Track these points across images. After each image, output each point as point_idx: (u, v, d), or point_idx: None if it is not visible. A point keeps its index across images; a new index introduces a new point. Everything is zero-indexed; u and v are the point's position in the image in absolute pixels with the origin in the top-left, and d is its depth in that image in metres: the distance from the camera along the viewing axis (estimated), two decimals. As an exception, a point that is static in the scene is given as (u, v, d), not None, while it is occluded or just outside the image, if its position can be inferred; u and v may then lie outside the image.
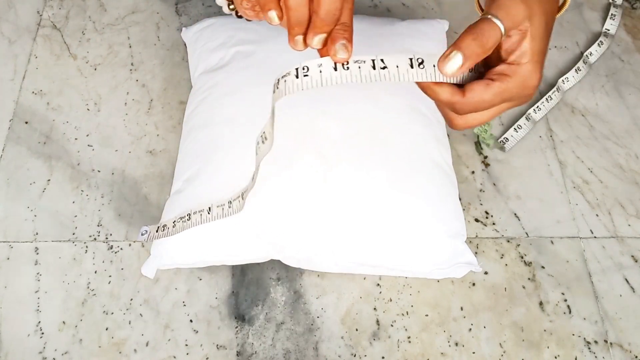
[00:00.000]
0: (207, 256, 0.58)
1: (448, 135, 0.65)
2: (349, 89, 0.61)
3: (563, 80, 0.76)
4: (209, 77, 0.66)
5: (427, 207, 0.57)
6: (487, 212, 0.67)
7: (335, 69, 0.40)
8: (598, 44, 0.79)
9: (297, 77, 0.40)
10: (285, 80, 0.40)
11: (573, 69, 0.77)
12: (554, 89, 0.75)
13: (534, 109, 0.73)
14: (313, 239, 0.56)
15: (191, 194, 0.58)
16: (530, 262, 0.64)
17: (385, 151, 0.58)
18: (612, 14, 0.82)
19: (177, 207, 0.58)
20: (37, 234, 0.65)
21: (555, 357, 0.59)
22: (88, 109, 0.73)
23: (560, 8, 0.48)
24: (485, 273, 0.63)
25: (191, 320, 0.60)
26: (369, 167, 0.57)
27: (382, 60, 0.40)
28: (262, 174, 0.53)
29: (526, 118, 0.72)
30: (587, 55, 0.78)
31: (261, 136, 0.44)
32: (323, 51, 0.41)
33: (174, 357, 0.58)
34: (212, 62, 0.67)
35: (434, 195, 0.58)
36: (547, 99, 0.74)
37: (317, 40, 0.40)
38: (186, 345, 0.59)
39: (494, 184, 0.69)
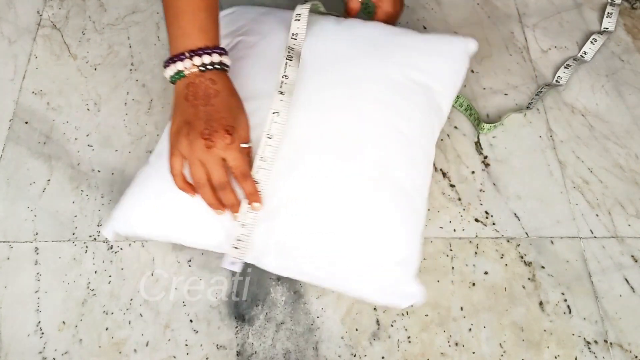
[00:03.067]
0: (164, 231, 0.58)
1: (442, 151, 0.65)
2: (333, 98, 0.59)
3: (557, 79, 0.76)
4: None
5: (374, 228, 0.55)
6: (487, 212, 0.67)
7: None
8: (591, 41, 0.79)
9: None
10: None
11: (563, 66, 0.77)
12: (544, 85, 0.75)
13: (527, 106, 0.73)
14: (263, 239, 0.56)
15: (156, 168, 0.59)
16: (530, 262, 0.64)
17: (350, 164, 0.57)
18: (608, 13, 0.82)
19: (146, 180, 0.59)
20: (37, 234, 0.65)
21: (555, 357, 0.59)
22: (88, 109, 0.73)
23: None
24: (485, 273, 0.63)
25: (191, 320, 0.60)
26: (330, 176, 0.56)
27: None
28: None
29: (523, 113, 0.73)
30: (581, 56, 0.78)
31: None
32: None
33: (174, 357, 0.58)
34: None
35: (385, 218, 0.55)
36: (536, 94, 0.75)
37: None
38: (186, 345, 0.59)
39: (494, 184, 0.69)
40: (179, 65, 0.53)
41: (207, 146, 0.51)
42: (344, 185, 0.56)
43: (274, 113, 0.57)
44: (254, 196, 0.54)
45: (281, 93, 0.58)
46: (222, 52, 0.55)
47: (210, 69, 0.53)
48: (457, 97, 0.71)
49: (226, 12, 0.71)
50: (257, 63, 0.63)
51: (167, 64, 0.54)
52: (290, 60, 0.60)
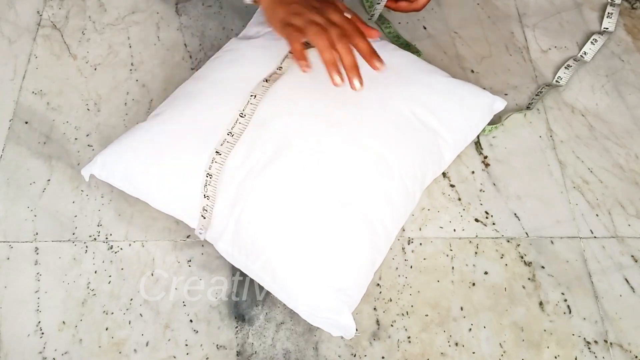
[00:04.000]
0: (139, 186, 0.60)
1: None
2: (324, 123, 0.59)
3: (557, 80, 0.76)
4: (234, 42, 0.69)
5: (325, 247, 0.55)
6: (487, 212, 0.67)
7: None
8: (591, 41, 0.79)
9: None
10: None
11: (563, 66, 0.77)
12: (543, 85, 0.75)
13: (527, 106, 0.73)
14: (222, 222, 0.57)
15: (146, 127, 0.62)
16: (530, 262, 0.64)
17: (325, 180, 0.56)
18: (608, 13, 0.82)
19: (132, 134, 0.62)
20: (37, 234, 0.65)
21: (555, 357, 0.59)
22: (88, 109, 0.73)
23: None
24: (485, 273, 0.63)
25: (191, 320, 0.60)
26: (304, 184, 0.56)
27: None
28: (207, 144, 0.58)
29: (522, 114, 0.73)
30: (581, 56, 0.78)
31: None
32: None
33: (174, 357, 0.58)
34: (249, 32, 0.70)
35: (340, 243, 0.55)
36: (537, 94, 0.74)
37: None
38: (186, 345, 0.59)
39: (494, 184, 0.69)
40: None
41: (319, 9, 0.54)
42: (313, 198, 0.56)
43: (251, 95, 0.60)
44: (372, 54, 0.53)
45: (266, 81, 0.61)
46: None
47: None
48: None
49: None
50: (273, 56, 0.64)
51: None
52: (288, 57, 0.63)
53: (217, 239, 0.59)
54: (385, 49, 0.66)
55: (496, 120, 0.73)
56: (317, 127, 0.59)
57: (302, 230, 0.55)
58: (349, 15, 0.55)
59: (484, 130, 0.70)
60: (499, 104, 0.67)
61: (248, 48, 0.66)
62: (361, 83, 0.53)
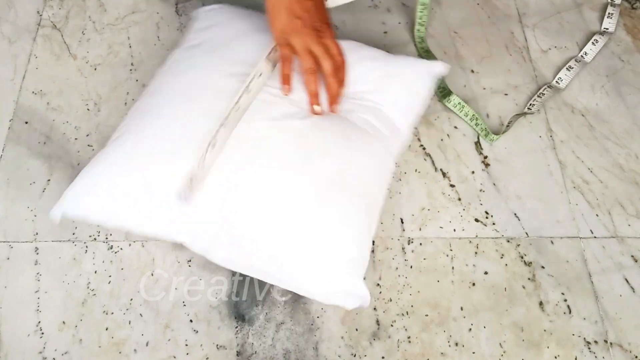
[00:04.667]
0: (113, 216, 0.58)
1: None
2: (301, 101, 0.61)
3: (557, 81, 0.76)
4: (180, 52, 0.67)
5: (325, 227, 0.55)
6: (487, 212, 0.67)
7: None
8: (592, 42, 0.79)
9: None
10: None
11: (564, 67, 0.77)
12: (545, 85, 0.75)
13: (528, 107, 0.73)
14: (212, 226, 0.56)
15: (111, 152, 0.59)
16: (530, 262, 0.64)
17: (308, 166, 0.57)
18: (609, 13, 0.82)
19: (98, 163, 0.59)
20: (37, 234, 0.65)
21: (555, 357, 0.59)
22: (88, 109, 0.73)
23: None
24: (485, 273, 0.63)
25: (191, 320, 0.60)
26: (286, 174, 0.57)
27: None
28: (176, 155, 0.57)
29: (523, 115, 0.72)
30: (582, 56, 0.78)
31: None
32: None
33: (174, 357, 0.58)
34: (193, 41, 0.68)
35: (337, 218, 0.56)
36: (539, 94, 0.74)
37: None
38: (186, 345, 0.59)
39: (494, 184, 0.69)
40: None
41: (319, 36, 0.57)
42: (299, 184, 0.56)
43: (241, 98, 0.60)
44: (337, 96, 0.60)
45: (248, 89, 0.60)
46: None
47: None
48: (462, 106, 0.72)
49: (209, 7, 0.72)
50: (221, 60, 0.64)
51: None
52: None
53: (212, 246, 0.57)
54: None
55: (496, 119, 0.73)
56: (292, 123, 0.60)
57: (299, 212, 0.56)
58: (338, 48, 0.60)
59: (491, 139, 0.70)
60: (441, 68, 0.68)
61: (199, 56, 0.65)
62: (336, 111, 0.60)
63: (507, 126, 0.71)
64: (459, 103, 0.72)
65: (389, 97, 0.65)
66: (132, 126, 0.61)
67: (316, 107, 0.59)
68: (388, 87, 0.65)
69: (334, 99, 0.60)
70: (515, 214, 0.67)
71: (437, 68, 0.68)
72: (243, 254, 0.57)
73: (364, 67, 0.66)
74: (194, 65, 0.64)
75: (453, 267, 0.63)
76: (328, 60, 0.58)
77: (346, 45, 0.64)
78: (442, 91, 0.74)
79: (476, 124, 0.71)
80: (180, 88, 0.62)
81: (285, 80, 0.60)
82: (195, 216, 0.56)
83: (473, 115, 0.72)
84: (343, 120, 0.62)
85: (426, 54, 0.77)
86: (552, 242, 0.65)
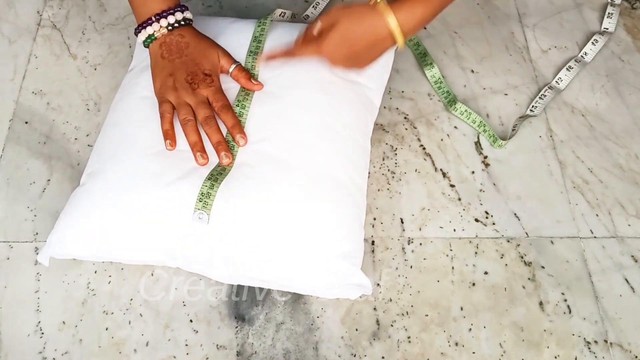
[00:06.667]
0: (100, 250, 0.58)
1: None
2: (263, 103, 0.61)
3: (557, 81, 0.76)
4: (135, 75, 0.66)
5: (317, 225, 0.56)
6: (487, 212, 0.67)
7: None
8: (592, 42, 0.79)
9: None
10: None
11: (564, 68, 0.77)
12: (546, 87, 0.75)
13: (530, 109, 0.73)
14: (204, 251, 0.56)
15: (89, 188, 0.58)
16: (530, 262, 0.64)
17: (283, 165, 0.57)
18: (609, 13, 0.82)
19: (78, 201, 0.58)
20: (37, 234, 0.65)
21: (555, 357, 0.59)
22: (88, 109, 0.73)
23: None
24: (485, 273, 0.63)
25: (191, 320, 0.60)
26: (264, 179, 0.57)
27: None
28: (158, 183, 0.56)
29: (523, 117, 0.73)
30: (582, 56, 0.78)
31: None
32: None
33: (174, 357, 0.58)
34: (146, 61, 0.66)
35: (327, 217, 0.56)
36: (540, 96, 0.74)
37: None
38: (186, 345, 0.59)
39: (494, 184, 0.69)
40: (149, 30, 0.61)
41: (192, 89, 0.59)
42: (283, 187, 0.56)
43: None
44: (235, 128, 0.59)
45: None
46: (184, 8, 0.62)
47: (177, 27, 0.61)
48: (469, 114, 0.72)
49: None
50: None
51: (137, 30, 0.61)
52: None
53: (207, 269, 0.58)
54: (275, 27, 0.68)
55: (496, 120, 0.73)
56: (267, 128, 0.60)
57: (286, 218, 0.55)
58: (234, 70, 0.62)
59: (500, 145, 0.70)
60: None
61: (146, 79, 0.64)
62: (229, 157, 0.57)
63: (513, 130, 0.71)
64: (466, 110, 0.72)
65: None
66: (107, 159, 0.60)
67: (199, 159, 0.57)
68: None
69: (234, 131, 0.59)
70: (515, 214, 0.67)
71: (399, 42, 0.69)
72: (239, 269, 0.56)
73: None
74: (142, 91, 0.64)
75: (453, 267, 0.63)
76: (201, 108, 0.59)
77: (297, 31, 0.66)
78: (447, 96, 0.74)
79: (484, 131, 0.71)
80: (144, 117, 0.61)
81: (166, 135, 0.58)
82: (185, 244, 0.56)
83: (480, 122, 0.72)
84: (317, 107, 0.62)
85: (422, 57, 0.77)
86: (552, 242, 0.65)
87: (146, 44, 0.62)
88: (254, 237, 0.55)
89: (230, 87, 0.63)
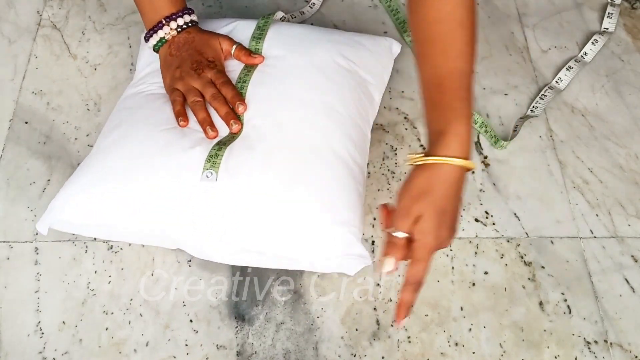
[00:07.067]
0: (104, 223, 0.57)
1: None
2: (265, 82, 0.63)
3: (557, 81, 0.76)
4: (139, 82, 0.67)
5: (315, 193, 0.57)
6: (487, 212, 0.67)
7: None
8: (592, 42, 0.79)
9: None
10: None
11: (564, 68, 0.77)
12: (546, 87, 0.75)
13: (531, 109, 0.73)
14: (208, 217, 0.56)
15: (100, 158, 0.59)
16: (530, 262, 0.64)
17: (284, 135, 0.59)
18: (609, 13, 0.82)
19: (85, 168, 0.59)
20: (37, 234, 0.65)
21: (555, 357, 0.59)
22: (88, 109, 0.73)
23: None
24: (485, 273, 0.63)
25: (191, 320, 0.60)
26: (267, 147, 0.58)
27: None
28: (168, 149, 0.57)
29: (523, 117, 0.72)
30: (582, 56, 0.78)
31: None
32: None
33: (174, 357, 0.58)
34: (148, 69, 0.68)
35: (326, 184, 0.57)
36: (540, 97, 0.74)
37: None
38: (186, 345, 0.59)
39: (494, 184, 0.69)
40: (160, 33, 0.63)
41: (198, 74, 0.61)
42: (283, 154, 0.57)
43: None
44: (235, 98, 0.61)
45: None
46: (191, 11, 0.64)
47: (185, 28, 0.63)
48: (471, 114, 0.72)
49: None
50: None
51: (149, 35, 0.63)
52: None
53: (205, 247, 0.58)
54: (280, 28, 0.69)
55: (496, 120, 0.73)
56: (270, 104, 0.62)
57: (285, 186, 0.56)
58: (235, 50, 0.64)
59: (501, 145, 0.70)
60: (396, 47, 0.72)
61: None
62: (238, 124, 0.59)
63: (514, 131, 0.71)
64: None
65: (363, 64, 0.67)
66: (114, 135, 0.60)
67: (209, 132, 0.59)
68: (360, 57, 0.67)
69: (234, 100, 0.61)
70: (515, 214, 0.67)
71: (395, 48, 0.71)
72: (235, 244, 0.57)
73: (332, 37, 0.68)
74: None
75: (453, 267, 0.63)
76: (207, 88, 0.61)
77: (305, 29, 0.69)
78: None
79: (485, 131, 0.71)
80: (149, 114, 0.62)
81: (178, 114, 0.60)
82: (191, 207, 0.56)
83: (482, 122, 0.72)
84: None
85: (402, 25, 0.79)
86: (552, 242, 0.65)
87: (156, 47, 0.64)
88: (254, 200, 0.56)
89: (233, 69, 0.64)
